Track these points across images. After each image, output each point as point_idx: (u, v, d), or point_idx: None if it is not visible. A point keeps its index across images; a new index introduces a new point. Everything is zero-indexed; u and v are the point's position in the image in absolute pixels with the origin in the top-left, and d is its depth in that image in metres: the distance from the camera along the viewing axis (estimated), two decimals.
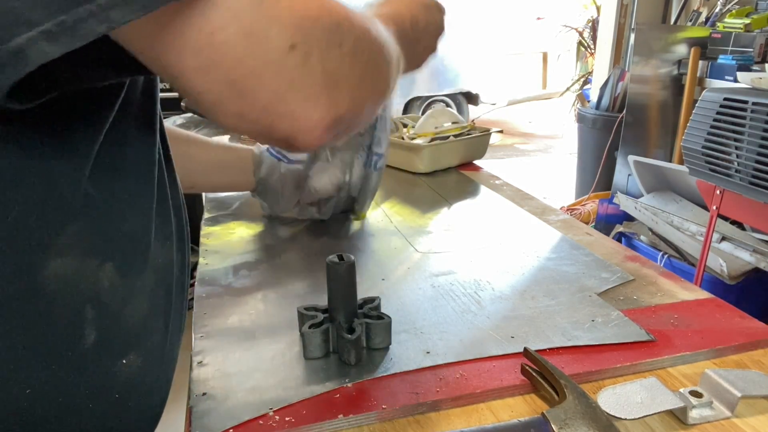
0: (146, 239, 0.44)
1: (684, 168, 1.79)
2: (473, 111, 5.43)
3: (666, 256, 2.03)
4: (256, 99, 0.32)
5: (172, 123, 1.17)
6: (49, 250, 0.36)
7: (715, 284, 1.79)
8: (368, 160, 0.92)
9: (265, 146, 0.92)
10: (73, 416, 0.39)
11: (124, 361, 0.42)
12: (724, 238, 1.91)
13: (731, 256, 1.85)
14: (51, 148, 0.36)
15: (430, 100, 4.97)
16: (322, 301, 0.62)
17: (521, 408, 0.52)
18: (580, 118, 3.19)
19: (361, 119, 0.39)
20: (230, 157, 0.92)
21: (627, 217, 2.34)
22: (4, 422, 0.36)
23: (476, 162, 1.38)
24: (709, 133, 1.58)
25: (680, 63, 2.52)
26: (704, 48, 2.42)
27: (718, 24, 2.47)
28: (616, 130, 2.81)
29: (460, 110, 5.00)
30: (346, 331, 0.58)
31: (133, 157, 0.43)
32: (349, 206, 0.98)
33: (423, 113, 1.45)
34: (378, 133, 0.91)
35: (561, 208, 2.68)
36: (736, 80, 2.08)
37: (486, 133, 1.38)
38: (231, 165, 0.92)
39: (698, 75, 2.41)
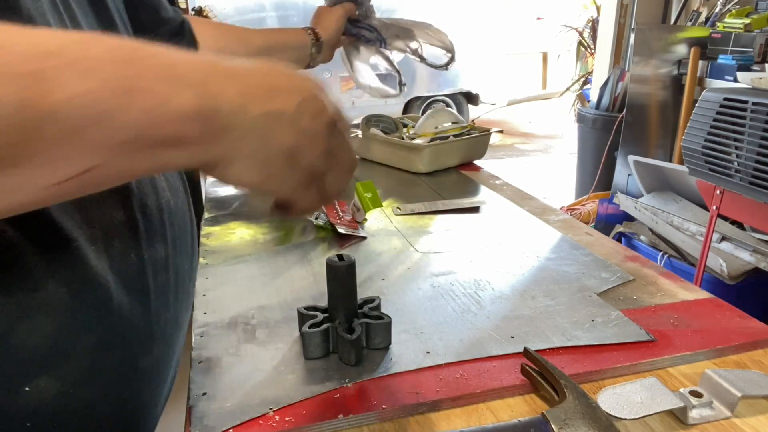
0: (45, 237, 0.35)
1: (684, 168, 1.79)
2: (473, 111, 5.43)
3: (666, 256, 2.02)
4: None
5: None
6: None
7: (715, 284, 1.79)
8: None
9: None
10: None
11: (27, 389, 0.36)
12: (724, 238, 1.91)
13: (731, 256, 1.85)
14: None
15: (430, 100, 4.98)
16: (322, 301, 0.62)
17: (521, 408, 0.52)
18: (580, 118, 3.19)
19: None
20: (285, 38, 0.92)
21: (627, 217, 2.34)
22: None
23: (476, 162, 1.38)
24: (709, 133, 1.58)
25: (680, 63, 2.52)
26: (704, 48, 2.42)
27: (718, 24, 2.47)
28: (616, 130, 2.81)
29: (460, 110, 5.00)
30: (346, 331, 0.58)
31: None
32: None
33: (423, 113, 1.45)
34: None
35: (561, 208, 2.68)
36: (736, 80, 2.08)
37: (486, 133, 1.38)
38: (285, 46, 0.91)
39: (698, 75, 2.41)
